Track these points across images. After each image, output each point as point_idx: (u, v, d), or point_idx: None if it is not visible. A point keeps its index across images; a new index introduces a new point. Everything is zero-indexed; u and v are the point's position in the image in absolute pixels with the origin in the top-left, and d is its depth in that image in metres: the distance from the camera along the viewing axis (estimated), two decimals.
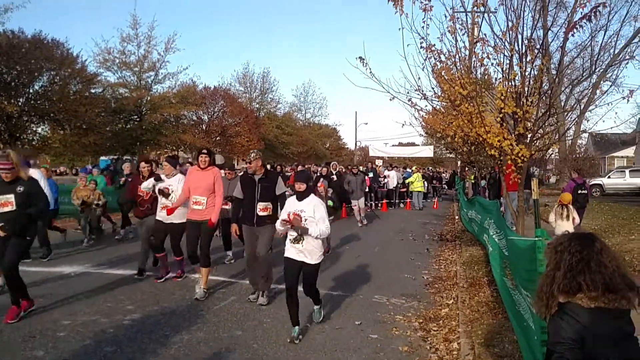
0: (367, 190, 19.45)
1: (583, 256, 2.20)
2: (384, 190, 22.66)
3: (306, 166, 22.68)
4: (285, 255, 5.66)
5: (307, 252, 5.53)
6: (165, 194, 7.64)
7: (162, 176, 7.94)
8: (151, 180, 7.97)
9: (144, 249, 8.34)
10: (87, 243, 11.33)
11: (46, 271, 8.55)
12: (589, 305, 2.11)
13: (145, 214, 8.51)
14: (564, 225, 8.94)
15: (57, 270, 8.67)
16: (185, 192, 7.41)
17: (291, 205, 5.67)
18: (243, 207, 6.97)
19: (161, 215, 7.78)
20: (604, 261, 2.19)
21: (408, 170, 28.86)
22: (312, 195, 5.67)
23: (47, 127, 27.54)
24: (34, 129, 26.88)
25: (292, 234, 5.55)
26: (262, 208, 6.75)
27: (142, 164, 8.52)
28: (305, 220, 5.45)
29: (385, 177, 22.79)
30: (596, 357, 2.09)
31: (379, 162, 32.21)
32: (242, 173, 8.69)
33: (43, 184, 9.34)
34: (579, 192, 11.52)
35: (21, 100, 24.73)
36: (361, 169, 20.46)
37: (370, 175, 21.03)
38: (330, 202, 10.15)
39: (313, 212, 5.49)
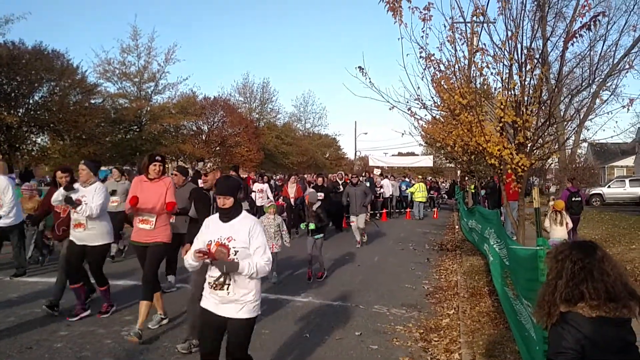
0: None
1: (585, 264, 2.17)
2: (380, 200, 22.30)
3: (300, 175, 22.24)
4: (202, 304, 3.85)
5: (235, 302, 3.71)
6: (75, 204, 6.12)
7: (76, 185, 6.35)
8: (60, 191, 6.27)
9: (60, 278, 6.72)
10: (40, 262, 10.02)
11: (44, 282, 8.50)
12: (590, 315, 2.09)
13: (63, 235, 6.87)
14: (558, 230, 9.51)
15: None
16: (128, 208, 6.12)
17: (213, 228, 3.86)
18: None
19: (75, 235, 6.34)
20: (606, 269, 2.17)
21: (406, 180, 28.73)
22: (244, 214, 3.91)
23: (47, 137, 27.57)
24: (34, 139, 26.90)
25: (213, 275, 3.74)
26: None
27: (59, 173, 6.80)
28: (236, 252, 3.68)
29: (380, 186, 22.40)
30: None
31: (377, 172, 31.80)
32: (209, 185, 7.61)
33: (9, 192, 8.05)
34: (573, 199, 11.95)
35: (21, 110, 24.77)
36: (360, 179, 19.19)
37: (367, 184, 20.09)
38: (311, 225, 9.03)
39: (248, 239, 3.74)
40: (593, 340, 2.06)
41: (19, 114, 24.31)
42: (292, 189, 15.50)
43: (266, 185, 16.41)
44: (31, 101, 25.36)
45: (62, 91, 26.20)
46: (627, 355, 2.13)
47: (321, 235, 9.30)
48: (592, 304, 2.10)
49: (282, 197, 16.04)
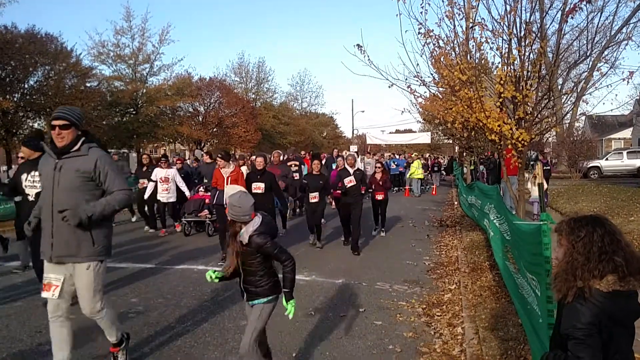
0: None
1: (614, 237, 2.17)
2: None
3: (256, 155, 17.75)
4: None
5: None
6: None
7: None
8: None
9: None
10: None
11: None
12: (607, 289, 2.10)
13: None
14: (536, 190, 11.38)
15: None
16: None
17: None
18: None
19: None
20: (625, 241, 2.19)
21: (398, 157, 28.32)
22: None
23: (43, 122, 27.42)
24: (30, 124, 26.75)
25: None
26: None
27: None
28: None
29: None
30: (611, 341, 2.10)
31: (353, 148, 30.08)
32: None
33: None
34: (544, 168, 14.40)
35: (16, 95, 24.62)
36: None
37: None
38: (216, 274, 3.89)
39: None
40: (611, 314, 2.08)
41: (15, 99, 24.15)
42: (226, 172, 9.12)
43: (173, 170, 11.99)
44: (26, 86, 25.19)
45: (57, 75, 26.00)
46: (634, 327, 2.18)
47: (267, 300, 3.88)
48: (619, 275, 2.10)
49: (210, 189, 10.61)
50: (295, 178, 13.49)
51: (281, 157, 13.74)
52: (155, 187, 11.80)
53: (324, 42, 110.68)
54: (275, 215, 10.42)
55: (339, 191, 10.04)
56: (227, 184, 8.73)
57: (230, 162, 9.45)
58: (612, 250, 2.14)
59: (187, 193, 12.21)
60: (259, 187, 8.85)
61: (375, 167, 12.18)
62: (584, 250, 2.17)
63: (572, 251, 2.21)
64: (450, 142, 30.90)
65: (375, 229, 12.07)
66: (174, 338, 5.28)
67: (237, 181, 8.74)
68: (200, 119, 39.39)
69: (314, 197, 9.65)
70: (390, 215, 15.17)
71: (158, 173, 11.77)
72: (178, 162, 13.58)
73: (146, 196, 11.85)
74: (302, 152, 19.19)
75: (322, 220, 11.89)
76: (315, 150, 42.86)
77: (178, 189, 11.99)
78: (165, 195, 11.73)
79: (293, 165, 14.43)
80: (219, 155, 9.49)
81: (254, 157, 11.07)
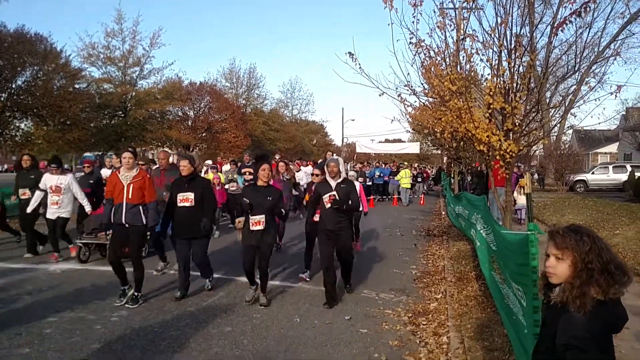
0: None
1: (607, 245, 2.17)
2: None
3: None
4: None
5: None
6: None
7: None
8: None
9: None
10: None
11: (31, 267, 8.44)
12: (601, 298, 2.09)
13: None
14: (521, 199, 13.45)
15: (43, 267, 8.55)
16: None
17: None
18: None
19: None
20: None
21: (383, 167, 28.26)
22: None
23: (31, 122, 27.13)
24: (17, 124, 26.44)
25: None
26: None
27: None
28: None
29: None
30: (608, 348, 2.11)
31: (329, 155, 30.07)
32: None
33: None
34: (519, 179, 15.01)
35: (4, 95, 24.31)
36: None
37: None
38: None
39: None
40: (606, 322, 2.09)
41: (2, 99, 23.87)
42: (127, 178, 6.61)
43: (68, 177, 9.19)
44: (14, 86, 24.87)
45: (46, 75, 25.73)
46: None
47: None
48: (623, 283, 2.10)
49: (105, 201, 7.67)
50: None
51: (170, 159, 10.47)
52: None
53: (316, 50, 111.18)
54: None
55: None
56: (127, 194, 6.51)
57: (136, 163, 6.89)
58: (614, 259, 2.14)
59: (88, 208, 9.25)
60: (186, 198, 6.76)
61: (313, 174, 8.73)
62: (597, 261, 2.11)
63: (585, 262, 2.14)
64: (439, 152, 31.07)
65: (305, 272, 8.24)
66: (157, 343, 5.20)
67: (144, 190, 6.63)
68: (190, 123, 39.25)
69: (256, 222, 6.44)
70: (378, 224, 15.13)
71: (47, 180, 8.98)
72: (86, 165, 10.64)
73: (29, 209, 9.17)
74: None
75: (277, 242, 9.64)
76: (305, 157, 42.91)
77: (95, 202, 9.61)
78: (55, 210, 8.98)
79: (247, 174, 10.78)
80: (128, 151, 6.86)
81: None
